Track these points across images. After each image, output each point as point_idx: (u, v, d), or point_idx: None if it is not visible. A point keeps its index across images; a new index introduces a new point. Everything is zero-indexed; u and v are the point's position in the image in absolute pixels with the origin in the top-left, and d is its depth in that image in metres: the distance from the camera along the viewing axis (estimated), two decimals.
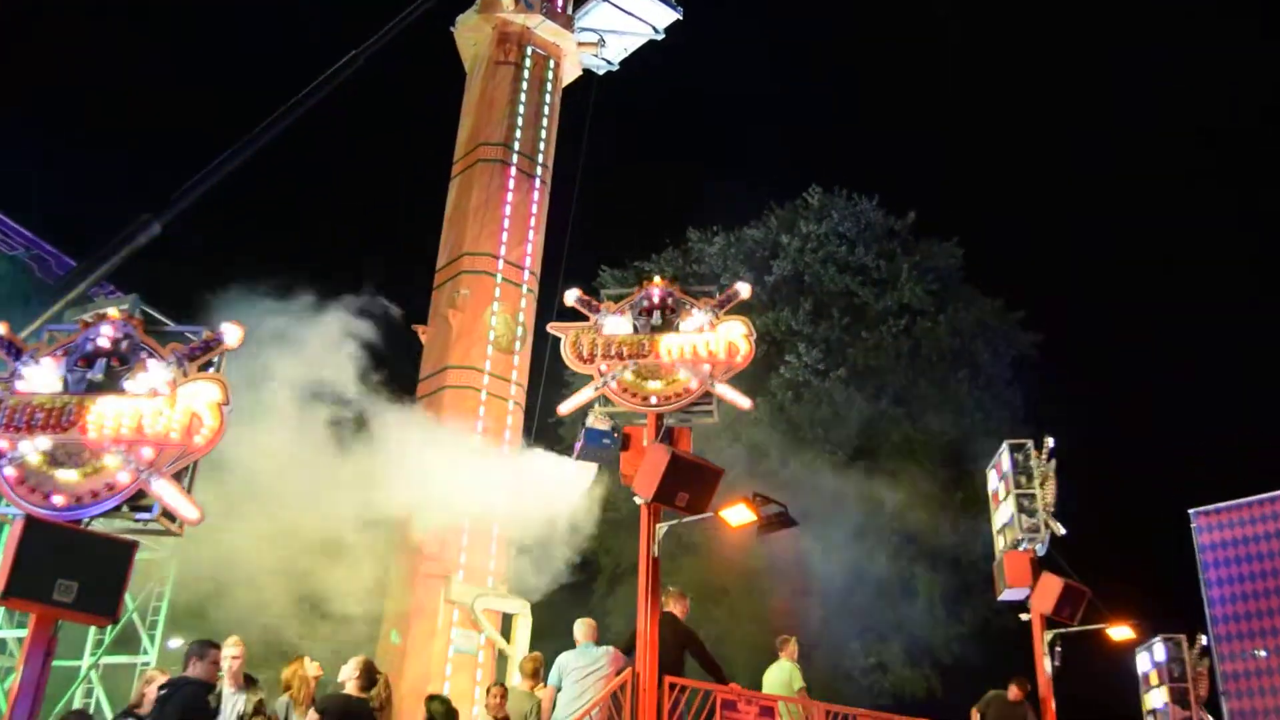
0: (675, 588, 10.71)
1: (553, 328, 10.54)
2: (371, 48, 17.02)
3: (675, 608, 10.35)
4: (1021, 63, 33.52)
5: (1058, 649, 13.57)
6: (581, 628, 10.15)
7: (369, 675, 8.50)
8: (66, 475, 7.44)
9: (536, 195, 19.20)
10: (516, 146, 19.16)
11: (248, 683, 8.45)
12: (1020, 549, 13.94)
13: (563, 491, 15.71)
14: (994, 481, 15.14)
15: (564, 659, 9.95)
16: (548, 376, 17.84)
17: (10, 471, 7.40)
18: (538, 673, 10.51)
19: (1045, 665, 13.40)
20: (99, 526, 7.42)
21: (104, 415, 7.66)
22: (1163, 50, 30.74)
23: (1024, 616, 13.88)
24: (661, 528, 9.42)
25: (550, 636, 16.09)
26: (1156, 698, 16.44)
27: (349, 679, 8.47)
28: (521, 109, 19.43)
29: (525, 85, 19.66)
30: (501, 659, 16.41)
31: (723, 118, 38.08)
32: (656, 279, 10.86)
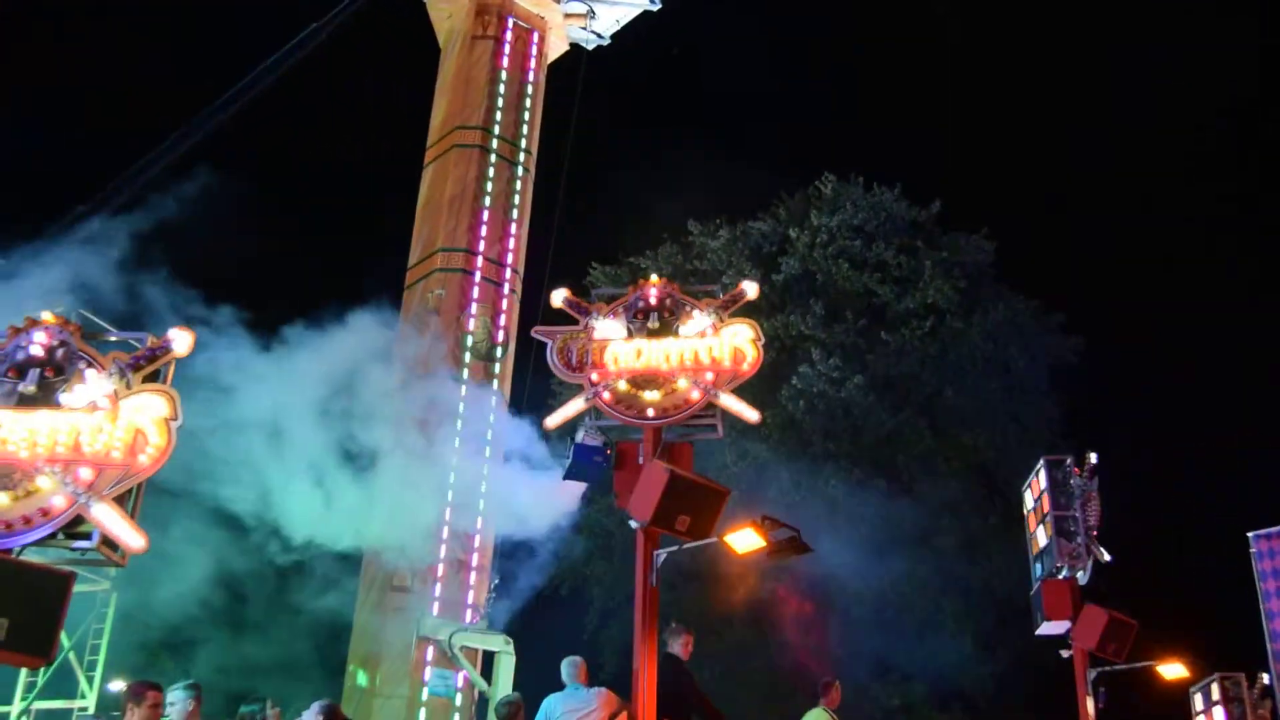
0: (679, 623, 10.72)
1: (537, 332, 10.56)
2: (334, 20, 17.09)
3: (677, 647, 10.36)
4: (1039, 52, 33.82)
5: (1102, 689, 13.58)
6: (570, 667, 10.15)
7: None
8: None
9: (519, 184, 19.23)
10: (496, 130, 19.19)
11: None
12: (1060, 577, 13.94)
13: (549, 514, 15.72)
14: (1030, 502, 15.15)
15: (550, 702, 9.96)
16: (532, 386, 17.87)
17: None
18: (516, 718, 10.51)
19: (1089, 707, 13.41)
20: (31, 556, 7.44)
21: (37, 432, 7.68)
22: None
23: (1065, 653, 13.88)
24: (660, 554, 9.44)
25: (535, 677, 16.10)
26: None
27: None
28: (502, 89, 19.46)
29: (506, 62, 19.69)
30: (482, 702, 16.39)
31: (728, 97, 38.10)
32: (653, 277, 10.88)
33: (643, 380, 10.09)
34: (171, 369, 7.99)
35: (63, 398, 7.80)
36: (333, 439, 14.15)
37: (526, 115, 19.71)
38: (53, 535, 7.45)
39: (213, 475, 12.33)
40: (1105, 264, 31.16)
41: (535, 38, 20.28)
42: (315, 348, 13.98)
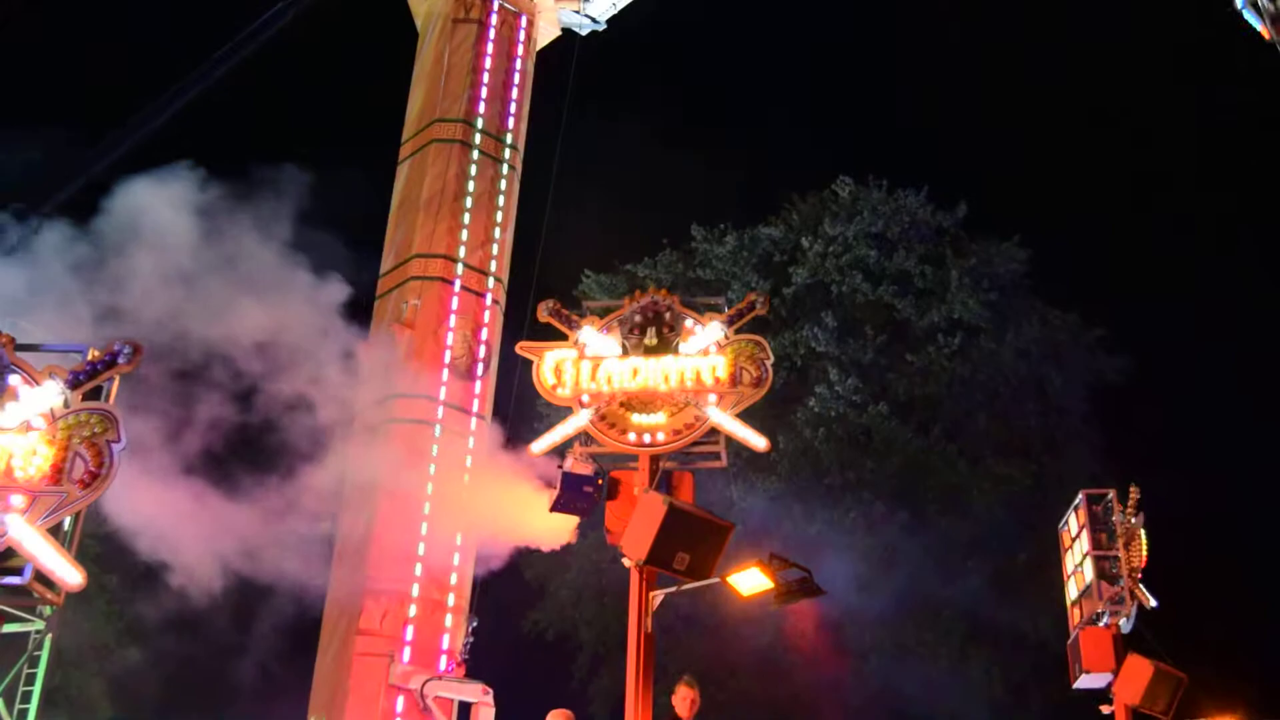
0: (688, 677, 10.63)
1: (523, 348, 10.55)
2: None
3: (676, 701, 10.28)
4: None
5: None
6: None
7: None
8: None
9: (504, 183, 19.20)
10: (479, 124, 19.18)
11: None
12: (1101, 624, 13.92)
13: (534, 552, 15.65)
14: (1068, 540, 15.13)
15: None
16: (516, 408, 17.82)
17: None
18: None
19: None
20: None
21: None
22: None
23: (1105, 709, 13.85)
24: (657, 596, 9.39)
25: None
26: None
27: None
28: (486, 78, 19.45)
29: (490, 49, 19.69)
30: None
31: (734, 89, 38.17)
32: (652, 288, 10.88)
33: (639, 402, 10.08)
34: (115, 385, 7.95)
35: None
36: (289, 461, 14.10)
37: (513, 107, 19.68)
38: None
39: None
40: (1156, 269, 31.00)
41: (523, 22, 20.28)
42: (275, 365, 13.93)
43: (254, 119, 27.97)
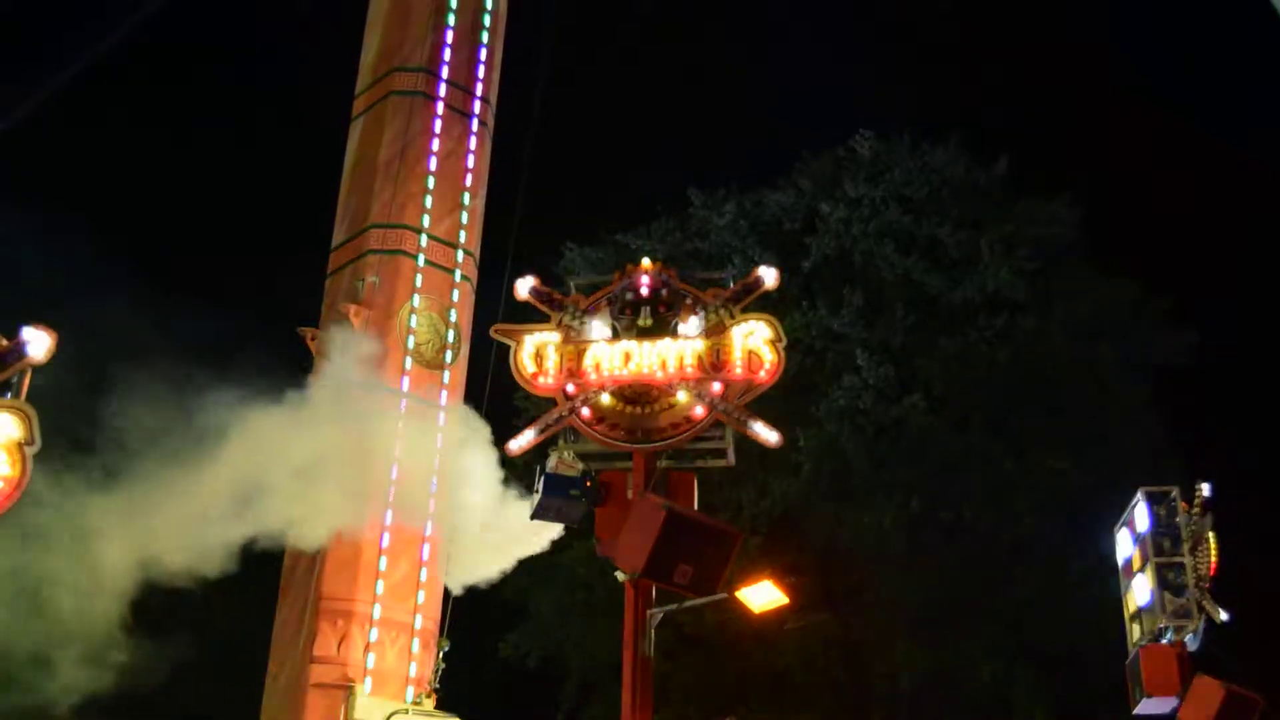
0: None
1: (499, 331, 10.54)
2: None
3: None
4: None
5: None
6: None
7: None
8: None
9: (474, 142, 19.18)
10: (445, 73, 19.13)
11: None
12: (1165, 641, 13.96)
13: (512, 563, 15.66)
14: (1126, 546, 15.17)
15: None
16: (491, 400, 17.85)
17: None
18: None
19: None
20: None
21: None
22: None
23: None
24: (655, 614, 9.42)
25: None
26: None
27: None
28: (452, 20, 19.41)
29: None
30: None
31: (737, 30, 38.06)
32: (645, 261, 10.88)
33: (632, 393, 10.09)
34: (26, 379, 7.93)
35: None
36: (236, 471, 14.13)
37: (483, 54, 19.63)
38: None
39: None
40: (1231, 231, 30.85)
41: None
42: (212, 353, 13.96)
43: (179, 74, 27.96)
